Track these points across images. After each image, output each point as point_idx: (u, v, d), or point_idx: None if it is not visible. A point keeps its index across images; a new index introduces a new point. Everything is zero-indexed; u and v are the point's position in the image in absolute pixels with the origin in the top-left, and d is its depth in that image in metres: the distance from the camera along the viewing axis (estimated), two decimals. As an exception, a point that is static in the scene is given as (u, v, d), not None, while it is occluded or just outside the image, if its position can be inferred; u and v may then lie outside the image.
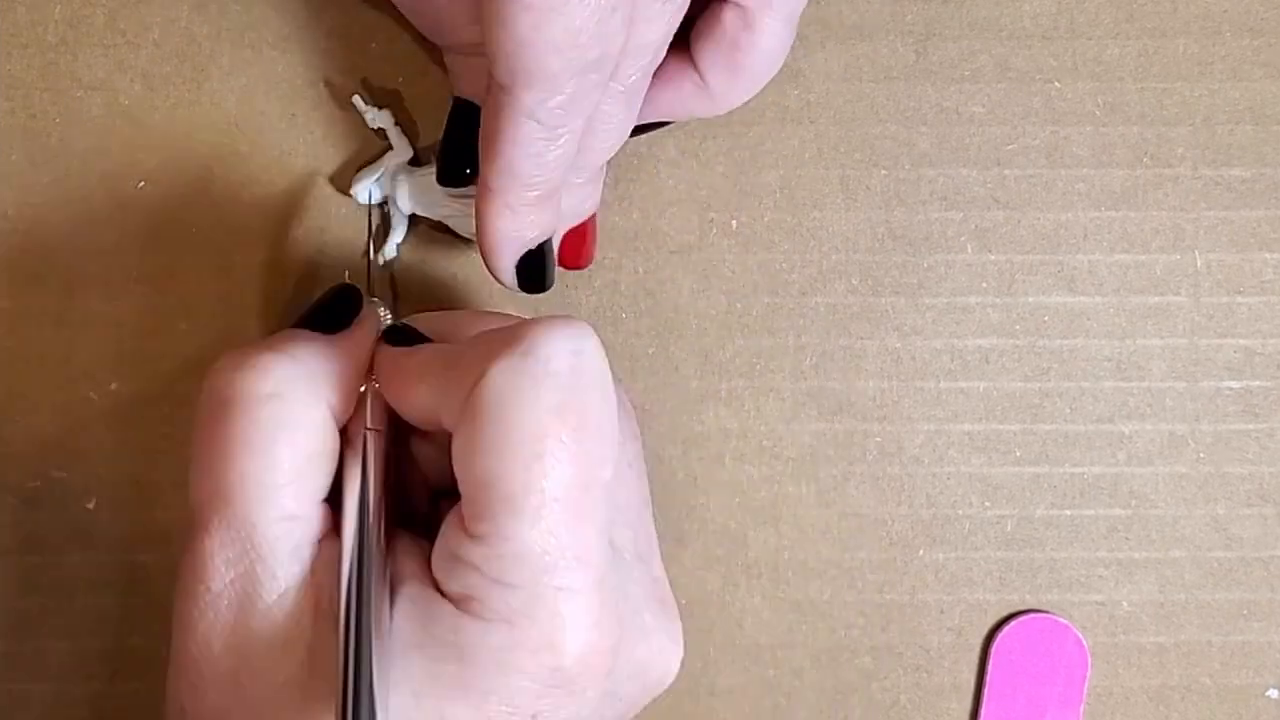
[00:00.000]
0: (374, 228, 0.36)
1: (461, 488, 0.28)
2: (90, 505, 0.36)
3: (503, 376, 0.27)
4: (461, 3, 0.32)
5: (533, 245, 0.32)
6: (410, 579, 0.29)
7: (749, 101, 0.37)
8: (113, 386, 0.36)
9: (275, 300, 0.37)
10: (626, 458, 0.32)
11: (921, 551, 0.37)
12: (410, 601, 0.28)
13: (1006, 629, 0.37)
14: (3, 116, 0.36)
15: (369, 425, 0.30)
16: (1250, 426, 0.37)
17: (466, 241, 0.36)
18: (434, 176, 0.34)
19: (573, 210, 0.34)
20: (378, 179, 0.36)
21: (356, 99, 0.36)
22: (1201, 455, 0.37)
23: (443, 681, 0.27)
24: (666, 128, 0.36)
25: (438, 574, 0.28)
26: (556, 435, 0.27)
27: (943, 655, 0.37)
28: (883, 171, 0.37)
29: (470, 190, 0.33)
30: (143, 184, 0.36)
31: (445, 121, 0.34)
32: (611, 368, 0.37)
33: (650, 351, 0.37)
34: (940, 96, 0.37)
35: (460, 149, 0.33)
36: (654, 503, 0.37)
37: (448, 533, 0.28)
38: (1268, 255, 0.37)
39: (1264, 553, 0.37)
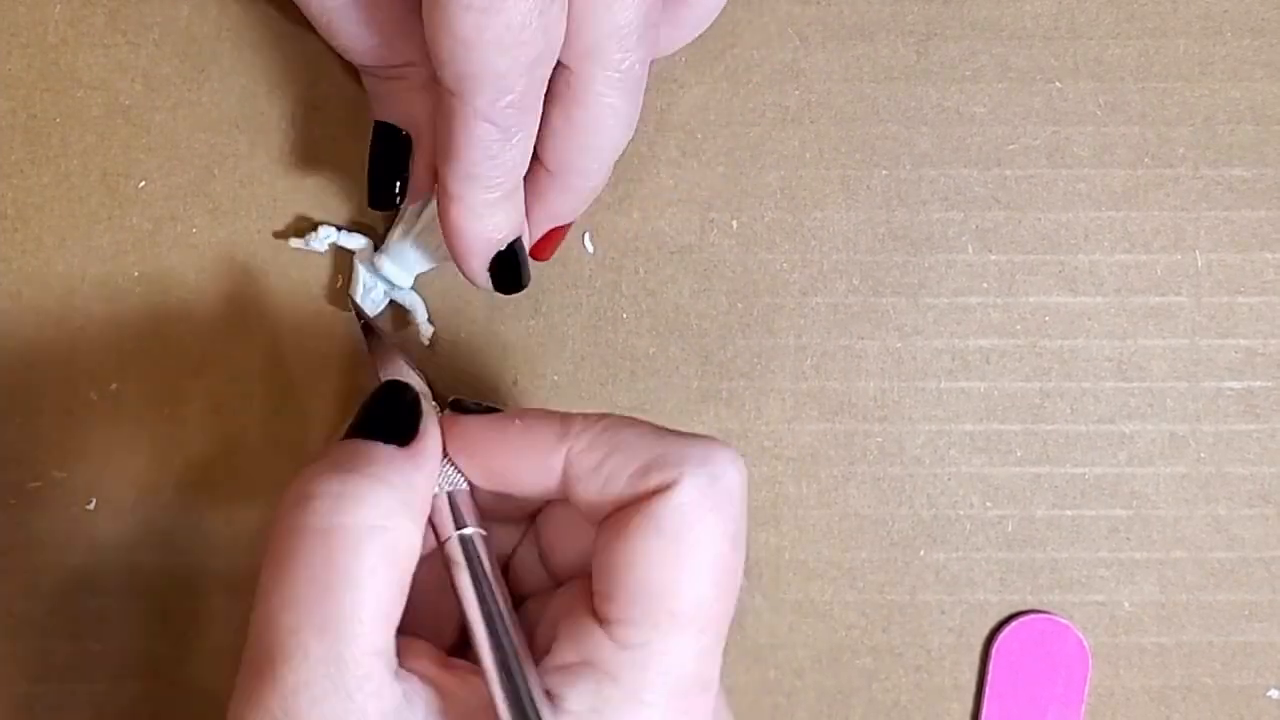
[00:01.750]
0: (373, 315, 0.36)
1: (607, 585, 0.28)
2: (90, 505, 0.36)
3: (692, 495, 0.27)
4: (381, 24, 0.32)
5: (502, 246, 0.33)
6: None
7: (749, 102, 0.37)
8: (113, 386, 0.36)
9: (276, 300, 0.37)
10: None
11: (922, 552, 0.37)
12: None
13: (1007, 629, 0.37)
14: (3, 116, 0.36)
15: (473, 527, 0.29)
16: (1251, 427, 0.37)
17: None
18: (396, 235, 0.35)
19: (567, 210, 0.34)
20: (365, 283, 0.36)
21: (293, 241, 0.36)
22: (1203, 456, 0.37)
23: None
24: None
25: (551, 681, 0.28)
26: (725, 564, 0.28)
27: (944, 655, 0.37)
28: (883, 171, 0.37)
29: (436, 223, 0.33)
30: (143, 184, 0.36)
31: (369, 149, 0.34)
32: (612, 368, 0.37)
33: (650, 351, 0.37)
34: (941, 96, 0.37)
35: (386, 172, 0.34)
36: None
37: (572, 622, 0.28)
38: (1269, 255, 0.37)
39: (1265, 553, 0.37)
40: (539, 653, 0.29)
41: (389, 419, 0.29)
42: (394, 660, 0.27)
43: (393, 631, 0.28)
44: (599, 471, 0.28)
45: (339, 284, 0.37)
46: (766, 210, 0.37)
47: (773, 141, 0.37)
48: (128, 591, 0.36)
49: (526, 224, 0.34)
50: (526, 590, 0.32)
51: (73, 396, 0.36)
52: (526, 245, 0.34)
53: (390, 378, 0.32)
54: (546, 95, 0.31)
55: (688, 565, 0.27)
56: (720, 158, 0.37)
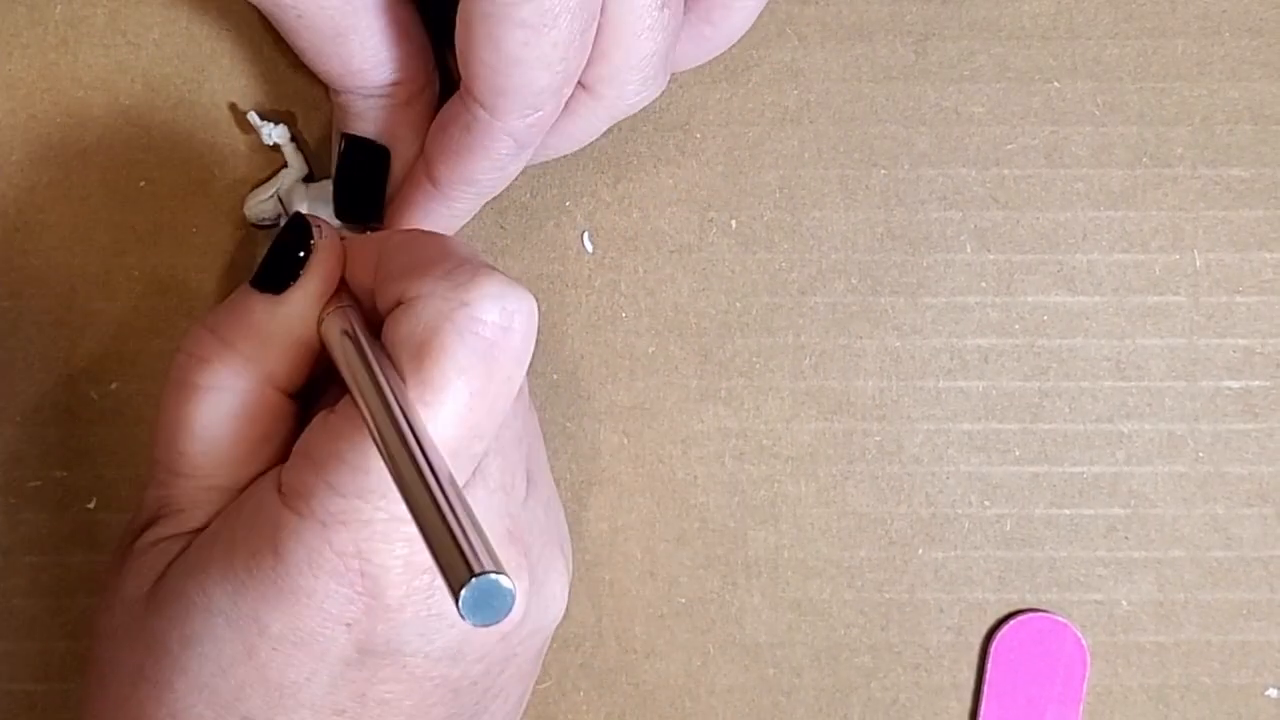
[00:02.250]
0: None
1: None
2: (90, 505, 0.36)
3: (429, 310, 0.27)
4: (374, 48, 0.32)
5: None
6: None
7: (748, 102, 0.37)
8: (113, 386, 0.36)
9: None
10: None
11: (921, 550, 0.37)
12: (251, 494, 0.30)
13: (1006, 628, 0.37)
14: (3, 116, 0.36)
15: (339, 304, 0.31)
16: (1249, 426, 0.38)
17: None
18: (329, 190, 0.35)
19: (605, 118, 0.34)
20: (272, 196, 0.36)
21: (252, 115, 0.36)
22: (1201, 455, 0.37)
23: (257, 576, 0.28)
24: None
25: (286, 471, 0.29)
26: (453, 393, 0.27)
27: (942, 654, 0.37)
28: (882, 171, 0.37)
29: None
30: (143, 184, 0.36)
31: (338, 159, 0.34)
32: (611, 368, 0.37)
33: (650, 351, 0.37)
34: (939, 96, 0.37)
35: (364, 187, 0.34)
36: (654, 502, 0.37)
37: (316, 429, 0.29)
38: (1267, 255, 0.38)
39: (1263, 552, 0.38)
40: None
41: (272, 266, 0.31)
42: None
43: (248, 474, 0.30)
44: (384, 267, 0.29)
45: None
46: (765, 210, 0.37)
47: (771, 141, 0.37)
48: (128, 591, 0.36)
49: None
50: None
51: (73, 396, 0.36)
52: None
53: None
54: None
55: (424, 398, 0.27)
56: (719, 157, 0.37)
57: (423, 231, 0.32)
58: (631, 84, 0.31)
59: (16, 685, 0.36)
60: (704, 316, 0.37)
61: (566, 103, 0.31)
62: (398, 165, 0.34)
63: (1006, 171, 0.37)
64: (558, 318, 0.37)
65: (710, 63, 0.37)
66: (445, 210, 0.33)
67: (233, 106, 0.36)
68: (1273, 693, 0.38)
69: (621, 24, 0.30)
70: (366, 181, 0.34)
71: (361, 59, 0.32)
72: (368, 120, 0.34)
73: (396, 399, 0.26)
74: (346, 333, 0.29)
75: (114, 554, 0.32)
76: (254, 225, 0.36)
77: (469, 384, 0.27)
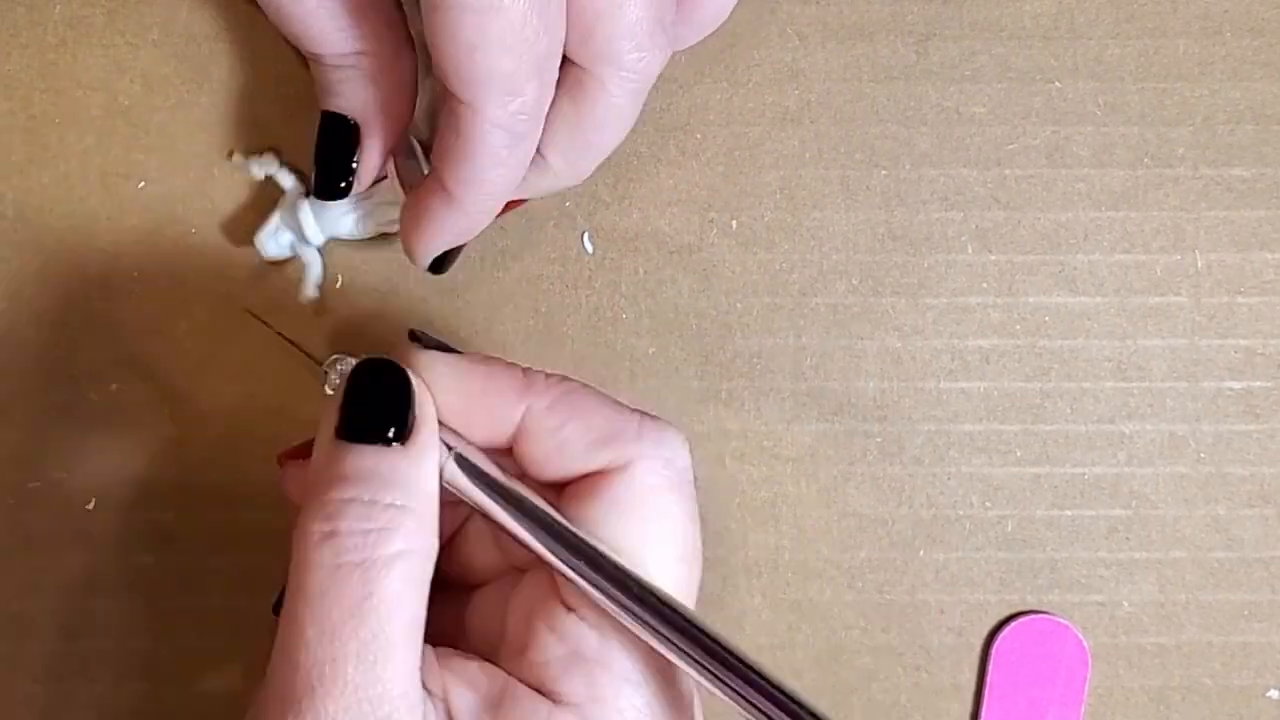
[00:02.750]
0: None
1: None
2: (90, 505, 0.36)
3: (652, 478, 0.29)
4: (333, 12, 0.32)
5: (465, 240, 0.33)
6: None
7: (749, 102, 0.37)
8: (113, 387, 0.36)
9: (276, 300, 0.37)
10: None
11: (922, 552, 0.37)
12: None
13: (1007, 629, 0.37)
14: (3, 116, 0.36)
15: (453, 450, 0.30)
16: (1251, 427, 0.37)
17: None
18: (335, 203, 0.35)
19: (546, 189, 0.33)
20: (279, 227, 0.36)
21: (236, 157, 0.36)
22: (1202, 456, 0.37)
23: None
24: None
25: (542, 678, 0.28)
26: (696, 546, 0.30)
27: (943, 656, 0.37)
28: (883, 171, 0.37)
29: (373, 193, 0.34)
30: (143, 184, 0.36)
31: (316, 135, 0.34)
32: (611, 368, 0.37)
33: (650, 351, 0.37)
34: (940, 96, 0.37)
35: (335, 164, 0.33)
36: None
37: (554, 627, 0.29)
38: (1268, 255, 0.37)
39: (1265, 553, 0.37)
40: (515, 650, 0.29)
41: (372, 417, 0.29)
42: (419, 675, 0.28)
43: (420, 644, 0.28)
44: (556, 434, 0.29)
45: (338, 284, 0.37)
46: (766, 210, 0.37)
47: (772, 141, 0.37)
48: (128, 591, 0.36)
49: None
50: (478, 577, 0.32)
51: (73, 396, 0.36)
52: None
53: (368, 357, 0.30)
54: (557, 92, 0.31)
55: (653, 544, 0.28)
56: (720, 158, 0.37)
57: (568, 387, 0.31)
58: (627, 56, 0.30)
59: (16, 685, 0.36)
60: (704, 317, 0.37)
61: (576, 92, 0.31)
62: (369, 142, 0.33)
63: (1008, 172, 0.37)
64: (558, 318, 0.37)
65: (710, 63, 0.37)
66: (462, 218, 0.32)
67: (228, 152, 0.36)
68: (1274, 694, 0.38)
69: None
70: (338, 159, 0.33)
71: (321, 23, 0.32)
72: (337, 94, 0.33)
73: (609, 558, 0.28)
74: (491, 481, 0.29)
75: None
76: (272, 262, 0.36)
77: (692, 521, 0.30)
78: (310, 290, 0.36)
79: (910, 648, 0.37)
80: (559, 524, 0.29)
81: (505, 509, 0.29)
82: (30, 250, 0.36)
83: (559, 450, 0.29)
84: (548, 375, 0.30)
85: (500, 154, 0.30)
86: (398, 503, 0.28)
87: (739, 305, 0.37)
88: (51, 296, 0.36)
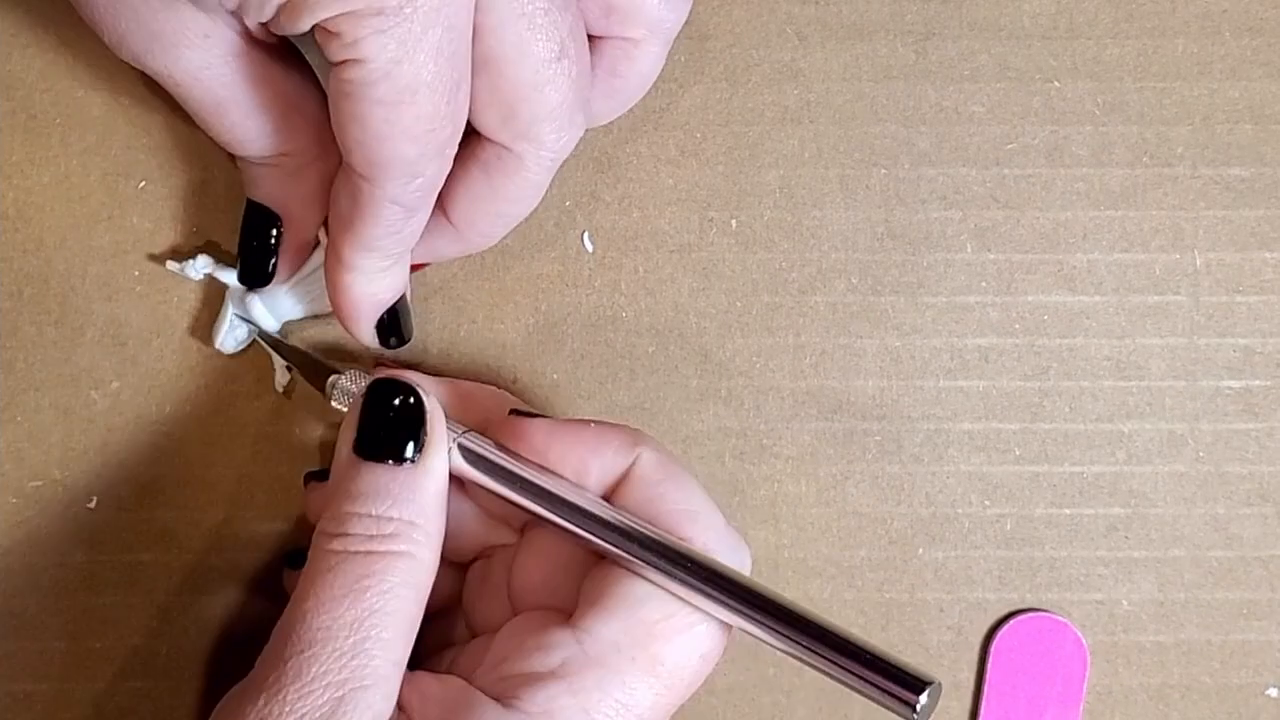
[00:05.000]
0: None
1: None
2: (90, 505, 0.36)
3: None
4: (256, 120, 0.33)
5: (388, 305, 0.34)
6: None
7: (749, 102, 0.37)
8: (113, 386, 0.36)
9: (275, 300, 0.37)
10: None
11: (921, 550, 0.37)
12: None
13: (1006, 628, 0.37)
14: (3, 116, 0.36)
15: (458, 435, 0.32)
16: (1250, 426, 0.38)
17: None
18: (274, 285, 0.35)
19: (454, 253, 0.35)
20: (230, 322, 0.36)
21: (170, 264, 0.36)
22: (1201, 454, 0.37)
23: None
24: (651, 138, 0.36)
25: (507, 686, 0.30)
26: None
27: (942, 654, 0.37)
28: (882, 171, 0.37)
29: (316, 275, 0.35)
30: (143, 184, 0.36)
31: (241, 225, 0.35)
32: (611, 367, 0.37)
33: (650, 351, 0.37)
34: (940, 96, 0.37)
35: (260, 251, 0.34)
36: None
37: (542, 643, 0.30)
38: (1267, 254, 0.38)
39: (1263, 552, 0.38)
40: (482, 654, 0.31)
41: (388, 436, 0.31)
42: (401, 672, 0.30)
43: (408, 646, 0.30)
44: (657, 487, 0.31)
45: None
46: (765, 209, 0.37)
47: (772, 141, 0.37)
48: (128, 591, 0.36)
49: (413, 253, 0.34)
50: (478, 628, 0.34)
51: (73, 396, 0.36)
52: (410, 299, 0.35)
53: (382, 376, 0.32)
54: (473, 164, 0.32)
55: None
56: (720, 157, 0.37)
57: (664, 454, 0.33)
58: (548, 137, 0.31)
59: (16, 685, 0.36)
60: (704, 316, 0.37)
61: (495, 168, 0.31)
62: (290, 232, 0.34)
63: (1007, 171, 0.37)
64: (558, 318, 0.37)
65: (711, 63, 0.37)
66: (359, 277, 0.33)
67: (151, 256, 0.37)
68: (1273, 692, 0.38)
69: (520, 81, 0.30)
70: (261, 246, 0.34)
71: (243, 130, 0.33)
72: (260, 186, 0.34)
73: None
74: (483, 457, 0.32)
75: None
76: (233, 355, 0.36)
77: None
78: (280, 376, 0.36)
79: (909, 646, 0.37)
80: (583, 504, 0.31)
81: (515, 489, 0.31)
82: (30, 250, 0.36)
83: (652, 503, 0.31)
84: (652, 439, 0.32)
85: (395, 224, 0.31)
86: (405, 517, 0.30)
87: (739, 305, 0.37)
88: (51, 296, 0.36)
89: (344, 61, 0.28)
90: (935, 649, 0.37)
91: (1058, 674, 0.37)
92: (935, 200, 0.37)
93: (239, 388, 0.36)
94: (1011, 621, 0.37)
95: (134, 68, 0.32)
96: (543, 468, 0.31)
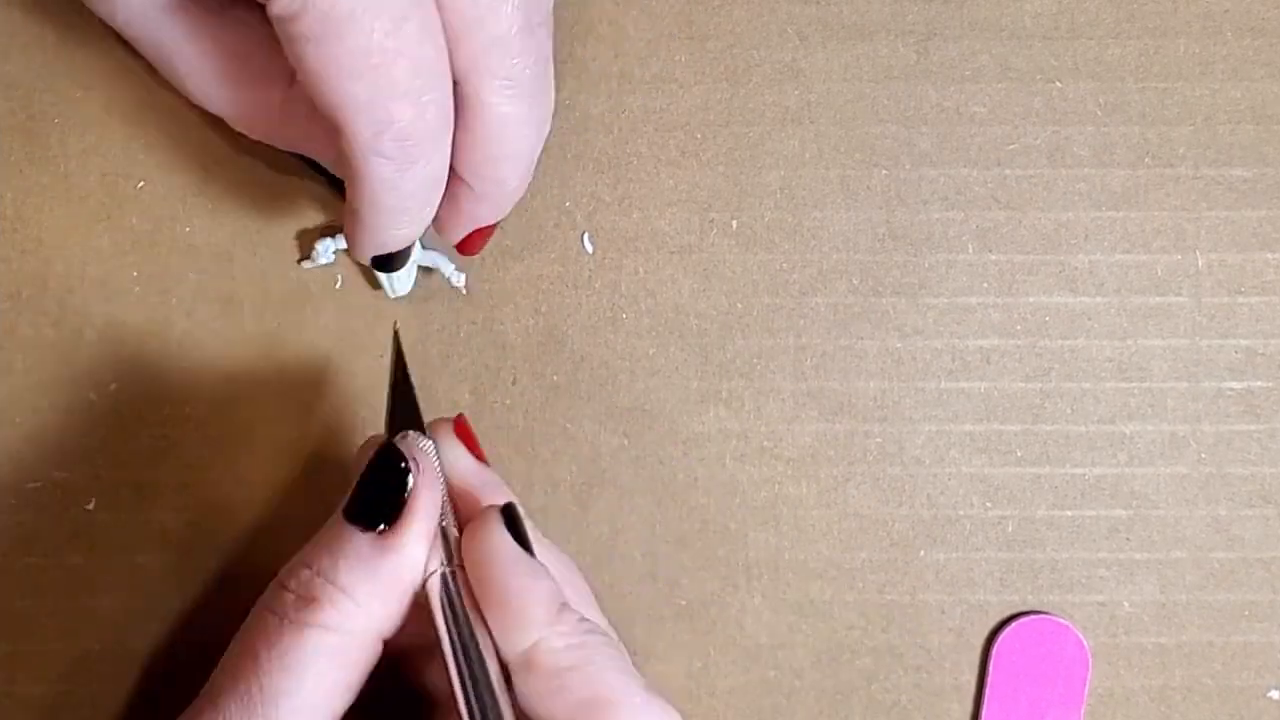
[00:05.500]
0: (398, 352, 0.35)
1: None
2: (90, 505, 0.36)
3: None
4: (205, 72, 0.32)
5: (394, 249, 0.33)
6: None
7: (749, 102, 0.37)
8: (113, 386, 0.36)
9: (275, 299, 0.37)
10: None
11: (922, 552, 0.37)
12: None
13: (1007, 630, 0.37)
14: (3, 116, 0.36)
15: (449, 565, 0.30)
16: (1252, 427, 0.37)
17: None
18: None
19: (489, 214, 0.34)
20: (410, 270, 0.36)
21: (305, 264, 0.36)
22: (1203, 456, 0.37)
23: None
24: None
25: None
26: None
27: (943, 656, 0.37)
28: (883, 171, 0.37)
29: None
30: (143, 184, 0.36)
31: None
32: (611, 368, 0.37)
33: (650, 351, 0.37)
34: (941, 96, 0.37)
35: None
36: (654, 503, 0.37)
37: None
38: (1269, 255, 0.37)
39: (1265, 553, 0.37)
40: None
41: (372, 502, 0.30)
42: None
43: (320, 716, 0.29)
44: (557, 678, 0.29)
45: (338, 284, 0.37)
46: (766, 210, 0.37)
47: (772, 141, 0.37)
48: (127, 593, 0.36)
49: (445, 224, 0.34)
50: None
51: (73, 396, 0.36)
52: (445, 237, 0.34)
53: (391, 439, 0.31)
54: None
55: None
56: (720, 158, 0.37)
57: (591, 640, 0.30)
58: (498, 64, 0.30)
59: (16, 686, 0.36)
60: (704, 317, 0.37)
61: (462, 109, 0.31)
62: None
63: (1008, 172, 0.37)
64: (558, 318, 0.37)
65: (711, 63, 0.37)
66: (369, 233, 0.32)
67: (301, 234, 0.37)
68: (1275, 694, 0.38)
69: (461, 13, 0.29)
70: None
71: (196, 82, 0.32)
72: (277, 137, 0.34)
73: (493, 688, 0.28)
74: (451, 604, 0.29)
75: None
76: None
77: None
78: (457, 278, 0.37)
79: (910, 648, 0.37)
80: (485, 693, 0.28)
81: (453, 649, 0.29)
82: (30, 250, 0.36)
83: (547, 698, 0.29)
84: (579, 619, 0.29)
85: (388, 178, 0.30)
86: (340, 583, 0.29)
87: (739, 306, 0.37)
88: (51, 296, 0.36)
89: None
90: (936, 651, 0.37)
91: (1059, 676, 0.37)
92: (937, 201, 0.37)
93: (238, 389, 0.36)
94: (1013, 623, 0.37)
95: (133, 68, 0.32)
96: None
